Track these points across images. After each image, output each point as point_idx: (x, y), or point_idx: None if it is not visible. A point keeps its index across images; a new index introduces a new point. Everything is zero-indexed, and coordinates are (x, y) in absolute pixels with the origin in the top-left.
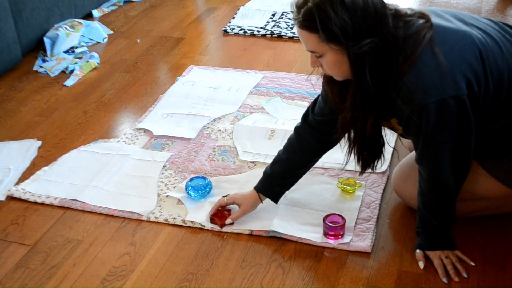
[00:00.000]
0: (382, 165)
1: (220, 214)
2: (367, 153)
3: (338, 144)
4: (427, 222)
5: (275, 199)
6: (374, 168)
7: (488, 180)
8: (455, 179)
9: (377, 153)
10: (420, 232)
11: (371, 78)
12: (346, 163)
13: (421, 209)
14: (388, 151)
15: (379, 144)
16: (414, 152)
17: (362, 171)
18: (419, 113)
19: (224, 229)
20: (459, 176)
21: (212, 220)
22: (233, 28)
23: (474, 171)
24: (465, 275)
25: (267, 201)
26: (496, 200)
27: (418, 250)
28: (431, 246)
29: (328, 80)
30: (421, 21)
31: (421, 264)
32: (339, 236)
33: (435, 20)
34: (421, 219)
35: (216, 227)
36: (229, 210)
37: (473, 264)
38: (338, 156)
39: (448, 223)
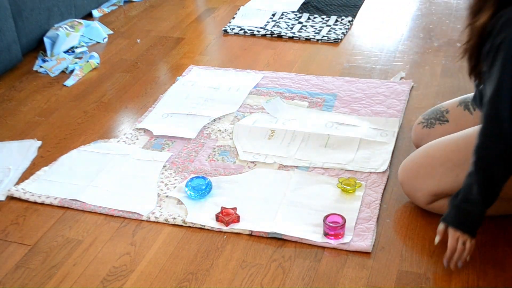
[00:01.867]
0: (382, 165)
1: (225, 212)
2: (475, 56)
3: (339, 145)
4: (468, 190)
5: None
6: (479, 76)
7: None
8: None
9: (476, 62)
10: (453, 201)
11: None
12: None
13: (469, 172)
14: (388, 151)
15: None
16: (424, 147)
17: (470, 75)
18: (508, 42)
19: (225, 229)
20: None
21: (217, 218)
22: (233, 28)
23: None
24: (459, 265)
25: (267, 201)
26: None
27: (441, 223)
28: (456, 222)
29: None
30: None
31: (437, 239)
32: (339, 236)
33: None
34: (464, 186)
35: (218, 226)
36: (235, 209)
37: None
38: (338, 156)
39: (485, 199)
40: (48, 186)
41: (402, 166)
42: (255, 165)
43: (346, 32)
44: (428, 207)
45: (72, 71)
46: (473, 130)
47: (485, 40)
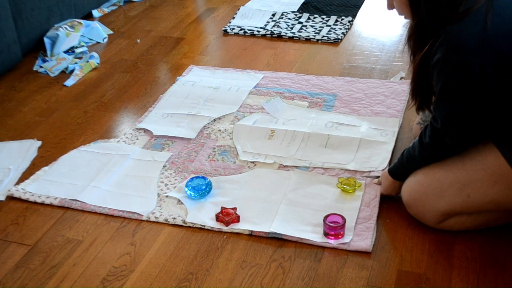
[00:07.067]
0: (382, 164)
1: (225, 212)
2: (419, 93)
3: (339, 145)
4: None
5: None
6: (430, 110)
7: None
8: (451, 137)
9: (427, 99)
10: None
11: (427, 13)
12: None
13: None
14: (388, 150)
15: (428, 89)
16: (428, 169)
17: (417, 111)
18: (443, 63)
19: (225, 229)
20: (450, 138)
21: (217, 218)
22: (233, 28)
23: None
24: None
25: (267, 201)
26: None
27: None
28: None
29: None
30: None
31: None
32: (339, 236)
33: None
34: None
35: (218, 226)
36: (235, 209)
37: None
38: (338, 156)
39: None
40: (48, 186)
41: (407, 189)
42: (255, 165)
43: (346, 32)
44: (439, 226)
45: (72, 71)
46: (476, 148)
47: (428, 68)
